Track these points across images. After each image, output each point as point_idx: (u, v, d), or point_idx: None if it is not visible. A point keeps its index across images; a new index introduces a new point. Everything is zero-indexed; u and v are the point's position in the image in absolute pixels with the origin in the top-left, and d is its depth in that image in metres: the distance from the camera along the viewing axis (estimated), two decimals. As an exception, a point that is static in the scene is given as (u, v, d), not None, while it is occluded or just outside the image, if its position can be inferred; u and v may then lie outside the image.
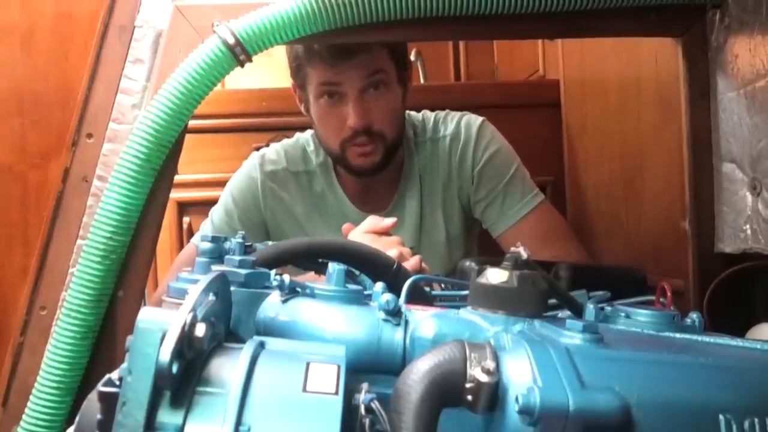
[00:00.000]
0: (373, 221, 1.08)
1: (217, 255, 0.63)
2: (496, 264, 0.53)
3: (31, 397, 0.89)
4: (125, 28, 0.97)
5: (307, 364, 0.41)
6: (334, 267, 0.57)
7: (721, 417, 0.40)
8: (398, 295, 0.56)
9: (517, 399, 0.39)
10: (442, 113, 1.42)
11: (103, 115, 0.97)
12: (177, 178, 1.05)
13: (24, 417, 0.88)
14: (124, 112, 0.97)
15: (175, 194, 1.68)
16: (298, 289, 0.57)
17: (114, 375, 0.39)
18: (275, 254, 0.74)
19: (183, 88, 0.89)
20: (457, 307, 0.54)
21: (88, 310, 0.89)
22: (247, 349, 0.42)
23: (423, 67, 2.28)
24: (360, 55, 1.20)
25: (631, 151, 1.34)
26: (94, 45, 0.96)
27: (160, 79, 0.93)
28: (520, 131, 1.49)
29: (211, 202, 1.42)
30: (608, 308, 0.60)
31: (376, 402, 0.40)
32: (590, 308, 0.60)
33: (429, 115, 1.42)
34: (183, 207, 1.79)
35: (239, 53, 0.90)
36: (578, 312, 0.64)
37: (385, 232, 1.06)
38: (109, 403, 0.38)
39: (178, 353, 0.38)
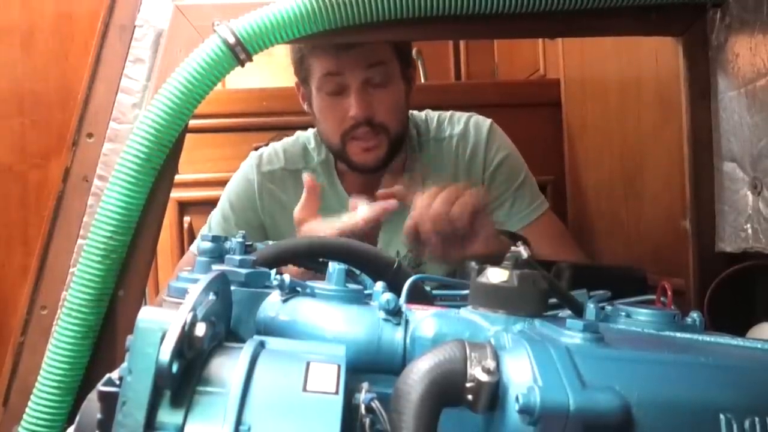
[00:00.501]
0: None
1: (218, 254, 0.63)
2: (497, 263, 0.53)
3: (32, 397, 0.89)
4: (126, 27, 0.97)
5: (308, 364, 0.41)
6: (334, 266, 0.57)
7: (721, 416, 0.40)
8: (398, 295, 0.56)
9: (517, 398, 0.39)
10: (446, 113, 1.41)
11: (103, 114, 0.97)
12: (177, 178, 1.05)
13: (25, 416, 0.88)
14: (124, 112, 0.97)
15: (176, 194, 1.68)
16: (299, 289, 0.57)
17: (114, 374, 0.39)
18: (275, 254, 0.74)
19: (183, 88, 0.89)
20: (458, 307, 0.54)
21: (89, 310, 0.89)
22: (247, 348, 0.42)
23: (423, 66, 2.28)
24: (362, 45, 1.20)
25: (632, 150, 1.34)
26: (94, 45, 0.96)
27: (161, 79, 0.93)
28: (520, 131, 1.49)
29: (212, 202, 1.42)
30: (609, 308, 0.60)
31: (377, 401, 0.40)
32: (591, 308, 0.60)
33: (432, 115, 1.41)
34: (183, 206, 1.80)
35: (240, 53, 0.90)
36: (579, 311, 0.64)
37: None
38: (109, 402, 0.38)
39: (178, 353, 0.38)
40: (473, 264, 0.54)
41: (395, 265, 0.74)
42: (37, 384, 0.89)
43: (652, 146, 1.21)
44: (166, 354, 0.37)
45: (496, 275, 0.51)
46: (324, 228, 0.99)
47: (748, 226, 0.89)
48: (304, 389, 0.40)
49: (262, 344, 0.44)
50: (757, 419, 0.41)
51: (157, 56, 0.97)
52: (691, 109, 0.98)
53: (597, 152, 1.57)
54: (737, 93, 0.90)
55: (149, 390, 0.37)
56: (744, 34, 0.88)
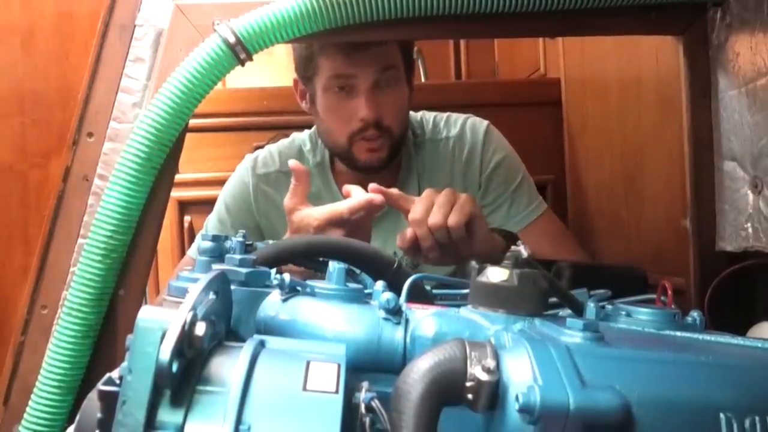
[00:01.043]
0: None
1: (218, 254, 0.63)
2: (497, 262, 0.53)
3: (33, 396, 0.89)
4: (126, 27, 0.97)
5: (308, 363, 0.41)
6: (334, 266, 0.57)
7: (721, 416, 0.40)
8: (398, 294, 0.56)
9: (517, 398, 0.39)
10: (442, 114, 1.41)
11: (103, 114, 0.97)
12: (178, 177, 1.05)
13: (25, 416, 0.89)
14: (124, 111, 0.97)
15: (176, 193, 1.68)
16: (299, 288, 0.57)
17: (114, 374, 0.39)
18: (275, 253, 0.74)
19: (184, 87, 0.89)
20: (458, 306, 0.54)
21: (89, 309, 0.89)
22: (247, 347, 0.42)
23: (424, 65, 2.28)
24: (375, 48, 1.20)
25: (632, 149, 1.34)
26: (94, 44, 0.96)
27: (161, 78, 0.93)
28: (520, 130, 1.49)
29: (212, 201, 1.42)
30: (609, 307, 0.60)
31: (377, 401, 0.40)
32: (591, 307, 0.60)
33: (428, 116, 1.41)
34: (184, 206, 1.80)
35: (240, 52, 0.90)
36: (579, 311, 0.64)
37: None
38: (110, 402, 0.38)
39: (178, 352, 0.38)
40: (473, 263, 0.54)
41: (395, 265, 0.74)
42: (37, 383, 0.89)
43: (652, 145, 1.21)
44: (166, 353, 0.37)
45: (496, 274, 0.51)
46: (313, 215, 1.00)
47: (749, 225, 0.89)
48: (304, 388, 0.40)
49: (262, 343, 0.44)
50: (757, 418, 0.41)
51: (157, 55, 0.97)
52: (692, 108, 0.98)
53: (597, 151, 1.57)
54: (738, 92, 0.90)
55: (149, 389, 0.37)
56: (744, 33, 0.88)
